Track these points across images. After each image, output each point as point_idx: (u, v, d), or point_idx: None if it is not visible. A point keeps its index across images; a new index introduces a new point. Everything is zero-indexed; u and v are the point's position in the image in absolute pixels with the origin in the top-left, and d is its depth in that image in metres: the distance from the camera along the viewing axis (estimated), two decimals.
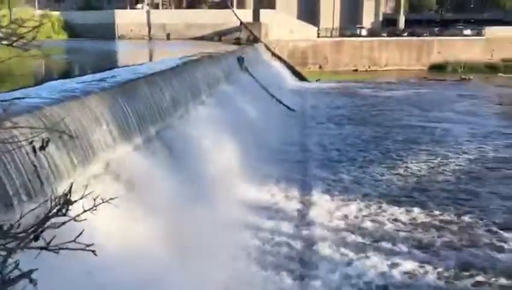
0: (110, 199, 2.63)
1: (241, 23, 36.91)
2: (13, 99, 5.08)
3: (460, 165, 13.83)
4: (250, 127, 13.93)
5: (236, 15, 37.93)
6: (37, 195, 5.02)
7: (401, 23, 59.09)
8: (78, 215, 2.36)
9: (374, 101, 26.29)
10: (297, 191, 11.12)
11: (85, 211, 2.40)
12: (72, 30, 44.53)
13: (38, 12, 42.56)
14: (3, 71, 10.77)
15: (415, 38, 45.72)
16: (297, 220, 9.60)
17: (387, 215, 9.96)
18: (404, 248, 8.52)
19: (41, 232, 2.22)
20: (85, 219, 2.39)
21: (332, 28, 48.91)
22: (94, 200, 2.46)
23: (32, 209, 2.59)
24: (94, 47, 30.20)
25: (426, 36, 46.40)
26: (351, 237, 8.91)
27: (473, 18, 71.99)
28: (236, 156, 10.76)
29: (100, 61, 21.69)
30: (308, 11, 57.51)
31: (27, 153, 4.94)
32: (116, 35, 41.35)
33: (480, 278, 7.59)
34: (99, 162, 6.67)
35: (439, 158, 14.44)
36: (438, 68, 42.44)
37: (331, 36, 46.10)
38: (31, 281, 2.13)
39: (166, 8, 54.08)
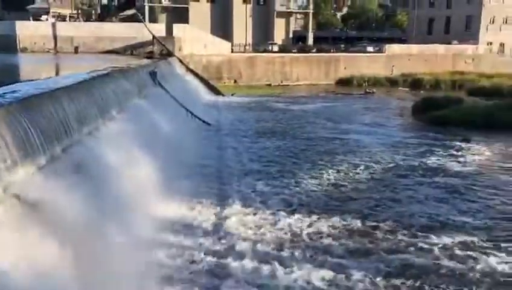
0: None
1: (154, 37, 36.30)
2: None
3: (374, 173, 14.58)
4: (165, 142, 13.66)
5: (148, 29, 37.25)
6: None
7: (310, 40, 61.81)
8: None
9: (288, 114, 27.08)
10: (213, 206, 11.06)
11: None
12: None
13: None
14: None
15: (323, 54, 48.05)
16: (213, 234, 9.53)
17: (305, 225, 10.20)
18: (322, 257, 8.77)
19: None
20: None
21: (246, 44, 49.86)
22: None
23: None
24: None
25: (333, 52, 48.98)
26: (267, 248, 9.01)
27: (375, 36, 77.46)
28: (150, 173, 10.45)
29: None
30: (221, 26, 58.14)
31: None
32: (18, 48, 38.64)
33: (397, 281, 7.99)
34: None
35: (354, 167, 15.14)
36: (344, 83, 44.86)
37: (244, 51, 46.95)
38: None
39: (74, 21, 51.73)
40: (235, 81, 42.52)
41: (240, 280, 7.78)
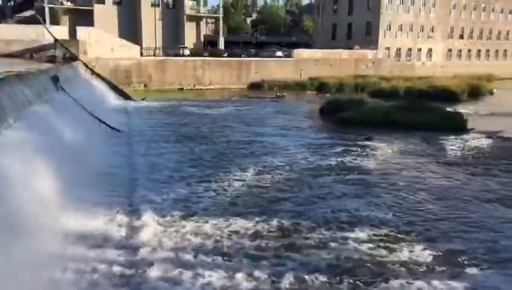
0: None
1: (56, 40, 34.23)
2: None
3: (290, 173, 14.88)
4: (70, 151, 12.87)
5: (49, 31, 35.05)
6: None
7: (221, 44, 62.14)
8: None
9: (202, 118, 26.93)
10: (125, 216, 10.61)
11: None
12: None
13: None
14: None
15: (234, 58, 48.59)
16: (124, 246, 9.13)
17: (226, 229, 10.13)
18: (246, 259, 8.77)
19: None
20: None
21: (155, 48, 48.86)
22: None
23: None
24: None
25: (244, 57, 49.75)
26: (185, 256, 8.84)
27: (284, 41, 79.96)
28: (53, 184, 9.78)
29: None
30: (130, 30, 56.43)
31: None
32: None
33: (324, 276, 8.21)
34: None
35: (272, 169, 15.33)
36: (256, 86, 45.77)
37: (154, 55, 46.00)
38: None
39: None
40: (146, 86, 41.49)
41: None
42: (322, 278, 8.16)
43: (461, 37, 70.82)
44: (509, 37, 76.64)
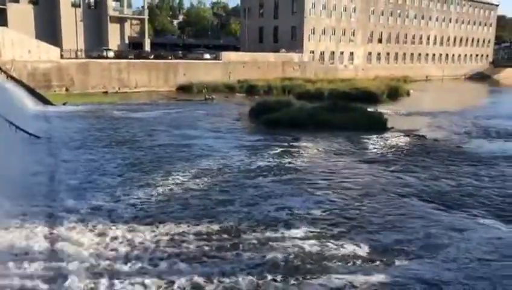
0: None
1: None
2: None
3: (223, 175, 14.82)
4: None
5: None
6: None
7: (147, 46, 60.82)
8: None
9: (128, 122, 26.15)
10: (44, 226, 10.02)
11: None
12: None
13: None
14: None
15: (161, 60, 47.74)
16: (47, 257, 8.63)
17: (150, 236, 9.86)
18: (177, 265, 8.62)
19: None
20: None
21: (77, 50, 46.75)
22: None
23: None
24: None
25: (171, 59, 49.03)
26: (108, 265, 8.51)
27: (212, 44, 79.94)
28: None
29: None
30: (49, 31, 53.54)
31: None
32: None
33: (265, 275, 8.24)
34: None
35: (204, 172, 15.16)
36: (185, 89, 45.32)
37: (76, 57, 43.99)
38: None
39: None
40: (67, 90, 39.62)
41: None
42: (262, 277, 8.22)
43: (380, 41, 74.88)
44: (422, 41, 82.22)
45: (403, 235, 10.32)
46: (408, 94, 46.20)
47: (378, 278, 8.35)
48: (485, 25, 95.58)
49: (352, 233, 10.35)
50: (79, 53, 45.84)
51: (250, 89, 45.28)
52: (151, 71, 45.62)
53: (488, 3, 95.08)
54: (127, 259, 8.77)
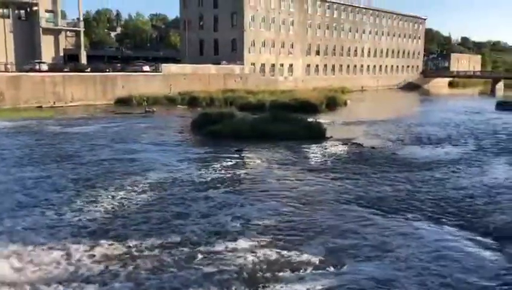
0: None
1: None
2: None
3: (165, 191, 14.53)
4: None
5: None
6: None
7: (84, 59, 58.90)
8: None
9: (65, 137, 25.12)
10: None
11: None
12: None
13: None
14: None
15: (99, 73, 46.39)
16: None
17: (86, 256, 9.48)
18: (111, 284, 8.34)
19: None
20: None
21: (7, 63, 44.37)
22: None
23: None
24: None
25: (109, 72, 47.77)
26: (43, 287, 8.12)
27: (151, 56, 78.78)
28: None
29: None
30: None
31: None
32: None
33: None
34: None
35: (146, 186, 14.83)
36: (124, 102, 44.26)
37: (6, 71, 41.77)
38: None
39: None
40: None
41: None
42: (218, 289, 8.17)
43: (318, 53, 77.22)
44: (357, 53, 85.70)
45: (349, 240, 10.65)
46: (345, 104, 47.86)
47: (331, 282, 8.59)
48: (415, 37, 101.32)
49: (300, 240, 10.54)
50: (9, 66, 43.55)
51: (191, 101, 45.03)
52: (88, 84, 44.19)
53: (416, 17, 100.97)
54: (64, 280, 8.39)
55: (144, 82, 47.93)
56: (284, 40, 70.47)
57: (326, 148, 22.48)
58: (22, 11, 56.50)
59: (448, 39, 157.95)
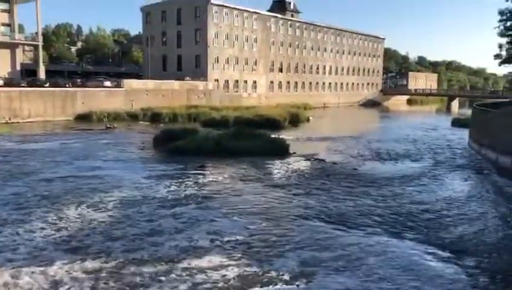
0: None
1: None
2: None
3: (130, 208, 14.20)
4: None
5: None
6: None
7: (42, 74, 57.32)
8: None
9: (20, 154, 24.17)
10: None
11: None
12: None
13: None
14: None
15: (58, 89, 45.21)
16: None
17: (42, 278, 9.12)
18: None
19: None
20: None
21: None
22: None
23: None
24: None
25: (69, 87, 46.65)
26: None
27: (113, 71, 77.66)
28: None
29: None
30: None
31: None
32: None
33: None
34: None
35: (107, 205, 14.45)
36: (84, 118, 43.27)
37: None
38: None
39: None
40: None
41: None
42: None
43: (281, 70, 78.24)
44: (319, 71, 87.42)
45: (314, 254, 10.77)
46: (308, 120, 48.55)
47: None
48: (374, 56, 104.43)
49: (268, 256, 10.59)
50: None
51: (154, 117, 44.50)
52: (47, 100, 42.94)
53: (376, 37, 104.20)
54: None
55: (105, 98, 47.04)
56: (247, 57, 71.09)
57: (289, 164, 22.65)
58: None
59: (405, 58, 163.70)
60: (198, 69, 63.90)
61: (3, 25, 56.37)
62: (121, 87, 49.84)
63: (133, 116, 45.13)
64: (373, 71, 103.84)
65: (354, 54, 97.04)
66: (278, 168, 21.65)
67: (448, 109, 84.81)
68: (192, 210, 14.30)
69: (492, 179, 19.93)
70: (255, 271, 9.76)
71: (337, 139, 33.63)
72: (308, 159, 23.96)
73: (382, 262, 10.37)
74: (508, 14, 27.31)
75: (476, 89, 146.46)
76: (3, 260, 10.00)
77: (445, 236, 12.30)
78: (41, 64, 58.95)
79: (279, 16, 78.20)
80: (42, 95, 42.87)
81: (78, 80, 51.58)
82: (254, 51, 72.29)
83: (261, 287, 9.03)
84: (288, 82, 79.85)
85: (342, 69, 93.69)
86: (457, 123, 45.76)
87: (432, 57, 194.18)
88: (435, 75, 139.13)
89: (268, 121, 39.64)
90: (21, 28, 64.11)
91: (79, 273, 9.40)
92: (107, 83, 50.63)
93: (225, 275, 9.50)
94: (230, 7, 67.30)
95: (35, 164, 21.69)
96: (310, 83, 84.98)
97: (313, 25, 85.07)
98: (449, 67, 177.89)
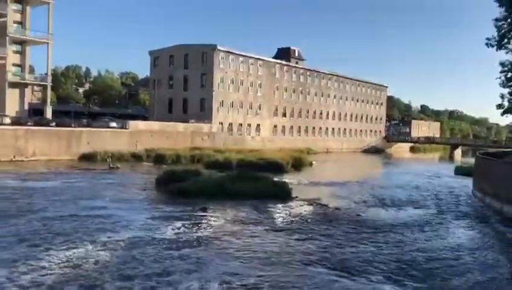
0: None
1: None
2: None
3: (128, 249, 14.05)
4: None
5: None
6: None
7: (49, 114, 58.16)
8: None
9: (23, 192, 24.21)
10: None
11: None
12: None
13: None
14: None
15: (63, 128, 45.73)
16: None
17: None
18: None
19: None
20: None
21: None
22: None
23: None
24: None
25: (75, 127, 47.19)
26: None
27: (119, 112, 78.73)
28: None
29: None
30: None
31: None
32: None
33: None
34: None
35: (95, 247, 14.22)
36: (88, 158, 43.50)
37: None
38: None
39: None
40: None
41: None
42: None
43: (284, 115, 79.11)
44: (322, 116, 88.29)
45: None
46: (311, 165, 48.56)
47: None
48: (377, 103, 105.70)
49: None
50: None
51: (157, 158, 44.67)
52: (52, 139, 43.36)
53: (379, 85, 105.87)
54: None
55: (110, 138, 47.45)
56: (252, 101, 72.12)
57: (291, 208, 22.47)
58: None
59: (408, 106, 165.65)
60: (203, 112, 64.73)
61: (15, 65, 57.80)
62: (126, 128, 50.38)
63: (137, 157, 45.33)
64: (376, 118, 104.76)
65: (357, 101, 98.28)
66: (280, 212, 21.47)
67: (451, 157, 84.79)
68: (199, 252, 14.19)
69: (497, 228, 19.66)
70: None
71: (340, 184, 33.49)
72: (311, 204, 23.78)
73: None
74: (509, 66, 27.82)
75: (479, 138, 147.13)
76: None
77: (450, 286, 12.01)
78: (48, 104, 59.94)
79: (283, 62, 79.96)
80: (48, 134, 43.31)
81: (84, 120, 52.25)
82: (259, 96, 73.40)
83: None
84: (292, 126, 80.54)
85: (345, 115, 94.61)
86: (461, 171, 45.59)
87: (434, 105, 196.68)
88: (438, 124, 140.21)
89: (271, 165, 39.66)
90: (31, 69, 65.59)
91: None
92: (113, 124, 51.25)
93: None
94: (236, 53, 69.00)
95: (40, 202, 21.68)
96: (314, 128, 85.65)
97: (316, 72, 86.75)
98: (452, 116, 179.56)
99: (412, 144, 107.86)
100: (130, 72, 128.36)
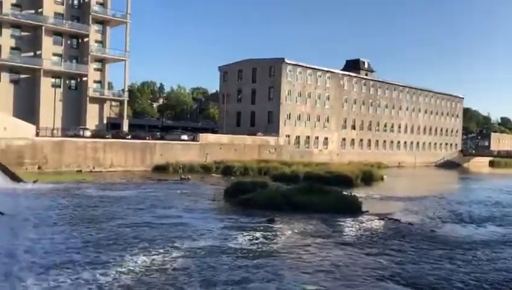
0: None
1: None
2: None
3: (198, 257, 14.27)
4: None
5: None
6: None
7: (125, 127, 61.40)
8: None
9: (101, 201, 25.56)
10: None
11: None
12: None
13: None
14: None
15: (138, 141, 47.98)
16: None
17: None
18: None
19: None
20: None
21: (53, 128, 46.78)
22: None
23: None
24: None
25: (149, 139, 49.38)
26: None
27: (190, 126, 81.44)
28: None
29: None
30: (27, 109, 53.96)
31: None
32: None
33: None
34: None
35: (172, 253, 14.57)
36: (161, 169, 45.20)
37: (52, 135, 43.89)
38: None
39: None
40: (40, 168, 38.98)
41: None
42: None
43: (353, 127, 77.54)
44: (393, 129, 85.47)
45: None
46: (382, 179, 46.96)
47: None
48: (453, 115, 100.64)
49: None
50: (55, 131, 45.83)
51: (226, 170, 45.46)
52: (128, 151, 45.61)
53: (454, 96, 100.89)
54: None
55: (182, 150, 49.07)
56: (319, 114, 71.50)
57: (361, 223, 21.75)
58: (73, 81, 60.39)
59: (487, 119, 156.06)
60: (270, 125, 65.12)
61: (95, 82, 61.86)
62: (196, 141, 51.91)
63: (206, 169, 46.39)
64: (451, 131, 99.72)
65: (431, 113, 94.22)
66: (350, 226, 20.85)
67: None
68: (272, 262, 14.15)
69: None
70: None
71: (414, 199, 32.00)
72: (382, 219, 22.87)
73: None
74: None
75: None
76: None
77: None
78: (125, 118, 63.38)
79: (352, 74, 78.66)
80: (124, 146, 45.64)
81: (158, 133, 54.56)
82: (326, 108, 72.64)
83: None
84: (361, 139, 78.70)
85: (418, 128, 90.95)
86: None
87: None
88: None
89: (340, 178, 38.80)
90: (110, 85, 69.79)
91: None
92: (184, 137, 53.06)
93: None
94: (303, 66, 68.96)
95: (121, 210, 22.78)
96: (384, 141, 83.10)
97: (387, 83, 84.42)
98: None
99: (491, 158, 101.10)
100: (200, 87, 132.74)
